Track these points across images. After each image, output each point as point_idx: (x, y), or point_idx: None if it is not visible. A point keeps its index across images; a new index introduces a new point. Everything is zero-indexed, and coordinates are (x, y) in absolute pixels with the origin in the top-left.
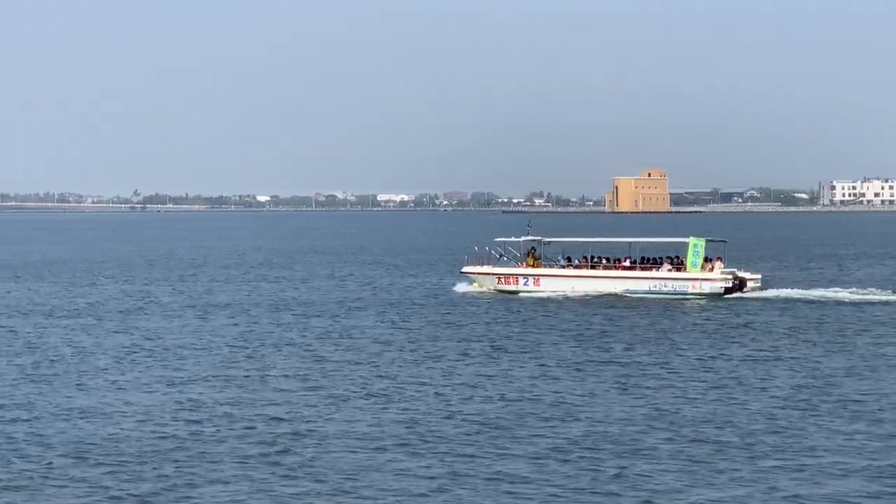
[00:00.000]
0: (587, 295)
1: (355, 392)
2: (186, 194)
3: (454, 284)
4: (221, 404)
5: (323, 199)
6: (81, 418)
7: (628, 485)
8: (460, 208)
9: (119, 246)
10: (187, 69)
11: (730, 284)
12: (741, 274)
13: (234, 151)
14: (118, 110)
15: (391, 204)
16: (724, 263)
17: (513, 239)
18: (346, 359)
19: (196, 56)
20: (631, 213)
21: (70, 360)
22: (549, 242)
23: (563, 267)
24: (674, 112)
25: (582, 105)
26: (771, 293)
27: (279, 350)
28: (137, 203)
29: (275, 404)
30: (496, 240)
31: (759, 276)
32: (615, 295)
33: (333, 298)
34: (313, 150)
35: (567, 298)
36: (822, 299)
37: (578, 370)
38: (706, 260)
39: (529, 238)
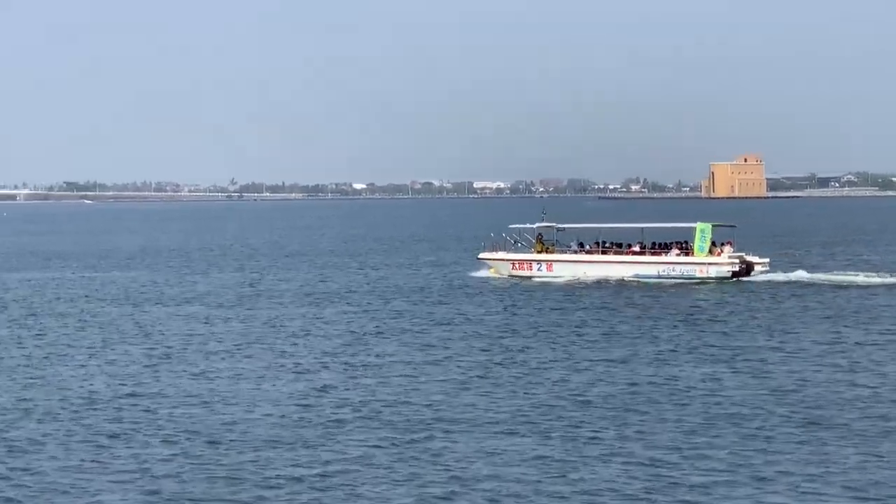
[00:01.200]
0: (598, 280)
1: (475, 377)
2: (283, 183)
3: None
4: (342, 391)
5: (419, 186)
6: (204, 406)
7: (749, 468)
8: (556, 195)
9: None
10: (285, 59)
11: (737, 268)
12: (749, 258)
13: (330, 139)
14: (215, 99)
15: (487, 191)
16: (733, 248)
17: (527, 225)
18: (462, 345)
19: (298, 49)
20: (727, 198)
21: (186, 347)
22: (562, 229)
23: (576, 252)
24: (771, 96)
25: (679, 90)
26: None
27: (394, 337)
28: (234, 192)
29: (396, 391)
30: (511, 226)
31: (767, 261)
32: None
33: (437, 285)
34: (410, 138)
35: (662, 283)
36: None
37: (691, 354)
38: (715, 244)
39: (544, 224)
